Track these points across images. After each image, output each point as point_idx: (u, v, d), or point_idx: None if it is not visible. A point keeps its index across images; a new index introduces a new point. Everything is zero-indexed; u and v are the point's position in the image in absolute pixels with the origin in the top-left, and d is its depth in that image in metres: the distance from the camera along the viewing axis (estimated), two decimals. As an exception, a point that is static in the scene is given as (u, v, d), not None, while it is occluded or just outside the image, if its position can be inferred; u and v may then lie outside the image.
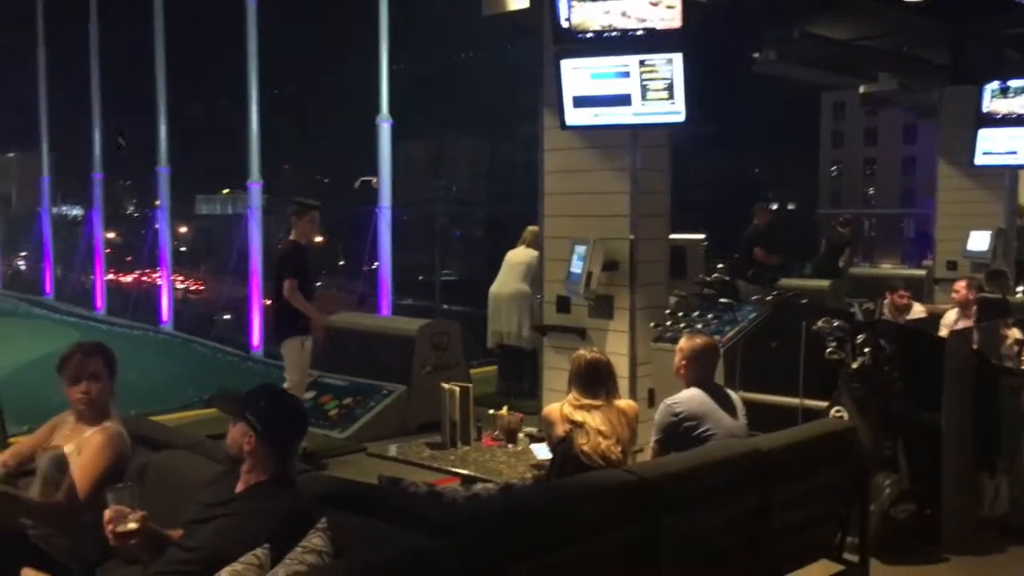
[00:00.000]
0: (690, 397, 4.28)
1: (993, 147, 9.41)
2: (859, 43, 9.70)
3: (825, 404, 5.10)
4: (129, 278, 33.19)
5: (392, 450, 5.00)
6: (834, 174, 66.58)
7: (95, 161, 27.15)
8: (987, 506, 5.17)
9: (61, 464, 3.47)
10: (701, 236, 8.85)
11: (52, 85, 28.77)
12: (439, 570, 2.43)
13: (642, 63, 5.47)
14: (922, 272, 11.49)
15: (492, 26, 7.46)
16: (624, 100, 5.58)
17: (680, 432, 4.19)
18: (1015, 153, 9.31)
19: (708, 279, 6.74)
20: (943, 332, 6.51)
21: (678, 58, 5.37)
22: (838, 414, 4.91)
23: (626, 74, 5.51)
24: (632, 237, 5.93)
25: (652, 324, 6.11)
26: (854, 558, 3.95)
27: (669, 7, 5.32)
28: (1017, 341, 5.85)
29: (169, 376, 17.97)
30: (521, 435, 5.08)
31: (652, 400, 5.64)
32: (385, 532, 2.60)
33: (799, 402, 5.39)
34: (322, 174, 61.55)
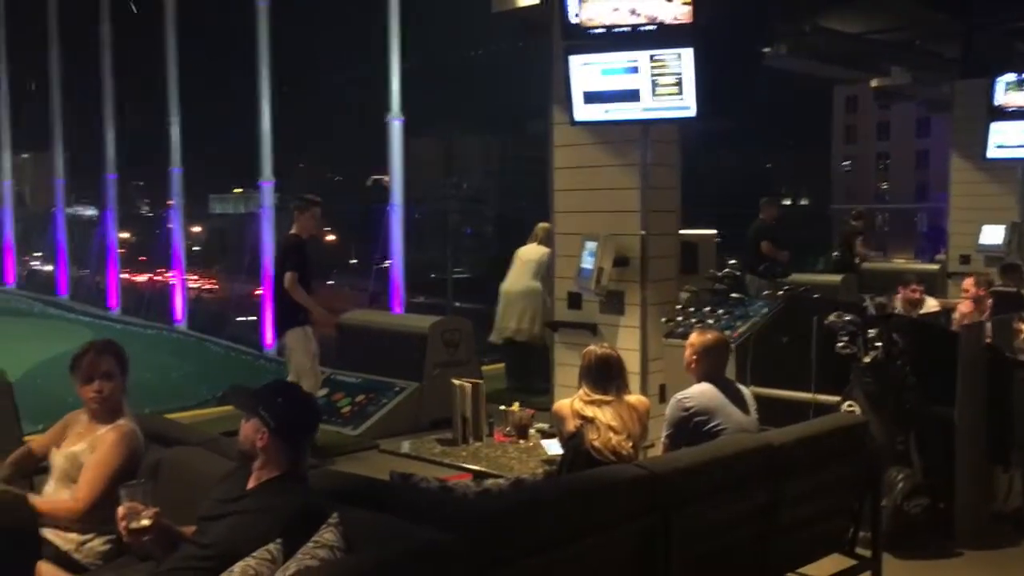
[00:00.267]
0: (701, 392, 4.28)
1: (1006, 140, 9.36)
2: (871, 37, 9.67)
3: (837, 399, 5.09)
4: (143, 278, 33.34)
5: (404, 446, 5.02)
6: (847, 169, 66.26)
7: (108, 161, 27.27)
8: (1001, 500, 5.16)
9: (75, 462, 3.51)
10: (712, 231, 8.84)
11: (65, 86, 28.92)
12: (450, 564, 2.44)
13: (652, 58, 5.46)
14: (935, 266, 11.45)
15: (502, 23, 7.47)
16: (634, 95, 5.57)
17: (691, 427, 4.19)
18: (1028, 146, 9.26)
19: (719, 274, 6.72)
20: (956, 326, 6.49)
21: (688, 53, 5.36)
22: (850, 409, 4.90)
23: (635, 69, 5.51)
24: (643, 233, 5.93)
25: (663, 319, 6.11)
26: (866, 553, 3.94)
27: (684, 3, 5.30)
28: (1031, 334, 5.83)
29: (183, 375, 18.05)
30: (532, 431, 5.09)
31: (663, 395, 5.64)
32: (396, 527, 2.61)
33: (811, 397, 5.37)
34: (334, 172, 61.67)
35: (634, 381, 5.58)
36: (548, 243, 7.51)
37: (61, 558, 3.27)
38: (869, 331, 4.98)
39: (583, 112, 5.79)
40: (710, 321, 6.11)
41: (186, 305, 24.88)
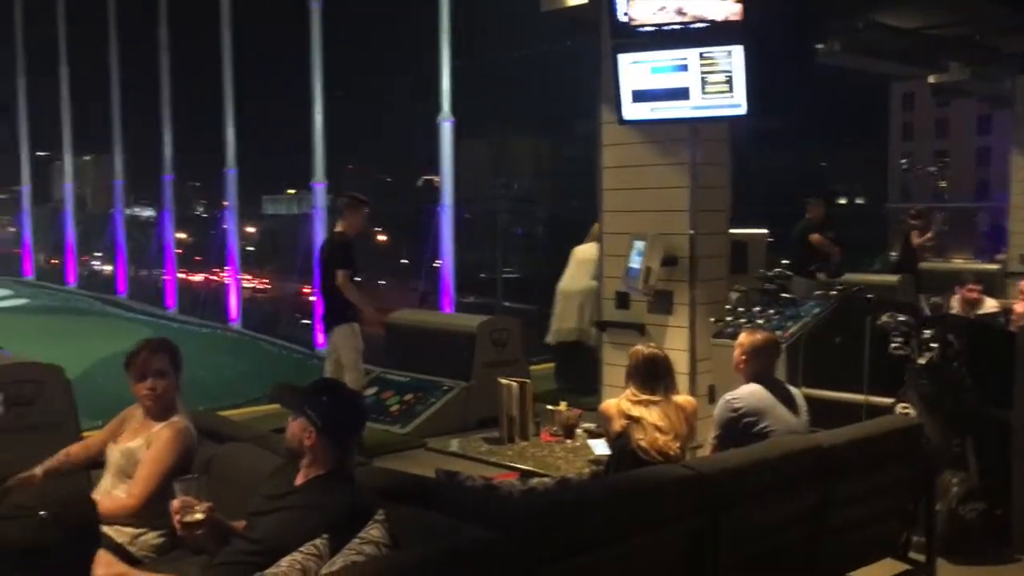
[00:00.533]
0: (750, 393, 4.23)
1: (1069, 136, 9.11)
2: (927, 32, 9.46)
3: (891, 401, 5.00)
4: (199, 277, 33.94)
5: (451, 445, 5.05)
6: (904, 167, 64.99)
7: (166, 163, 27.82)
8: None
9: (131, 458, 3.58)
10: (763, 231, 8.73)
11: (124, 89, 29.56)
12: (495, 562, 2.45)
13: (701, 56, 5.43)
14: (995, 266, 11.17)
15: (550, 22, 7.45)
16: (683, 94, 5.54)
17: (739, 428, 4.15)
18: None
19: (770, 274, 6.63)
20: (1014, 326, 6.33)
21: (738, 50, 5.31)
22: (904, 411, 4.81)
23: (684, 67, 5.48)
24: (692, 232, 5.89)
25: (712, 320, 6.06)
26: (920, 557, 3.88)
27: (735, 1, 5.25)
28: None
29: (237, 373, 18.33)
30: (579, 431, 5.09)
31: (712, 396, 5.60)
32: (442, 525, 2.63)
33: (864, 399, 5.28)
34: (385, 173, 62.19)
35: (683, 382, 5.54)
36: (603, 242, 7.49)
37: (117, 550, 3.34)
38: (924, 331, 4.88)
39: (632, 111, 5.77)
40: (760, 321, 6.04)
41: (240, 304, 25.25)
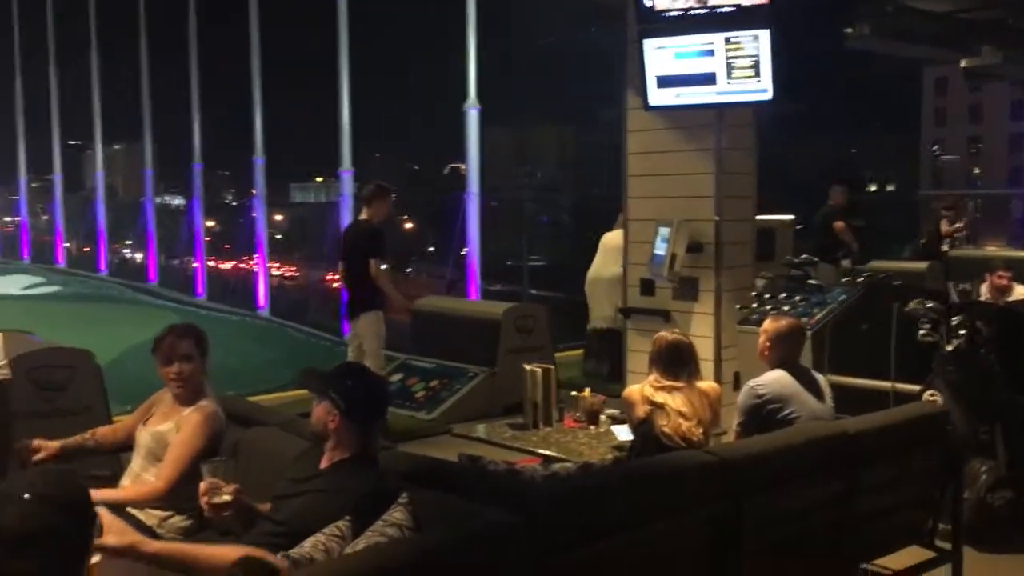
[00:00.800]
0: (775, 379, 4.22)
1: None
2: (959, 15, 9.33)
3: (918, 388, 4.96)
4: (228, 265, 34.23)
5: (476, 431, 5.08)
6: (936, 153, 64.13)
7: (195, 152, 28.05)
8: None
9: (161, 440, 3.63)
10: (790, 217, 8.66)
11: (154, 78, 29.82)
12: (516, 546, 2.46)
13: (727, 40, 5.39)
14: (1028, 253, 11.00)
15: (576, 7, 7.43)
16: (708, 79, 5.50)
17: (764, 414, 4.13)
18: None
19: (796, 260, 6.59)
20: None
21: (765, 34, 5.27)
22: (932, 398, 4.77)
23: (710, 52, 5.44)
24: (717, 218, 5.85)
25: (738, 306, 6.03)
26: (946, 545, 3.85)
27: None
28: None
29: (265, 360, 18.50)
30: (603, 417, 5.11)
31: (737, 383, 5.57)
32: (464, 508, 2.64)
33: (890, 386, 5.24)
34: (411, 161, 62.31)
35: (708, 368, 5.52)
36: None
37: (144, 533, 3.40)
38: (952, 318, 4.84)
39: (657, 97, 5.74)
40: (786, 308, 6.01)
41: (268, 292, 25.44)
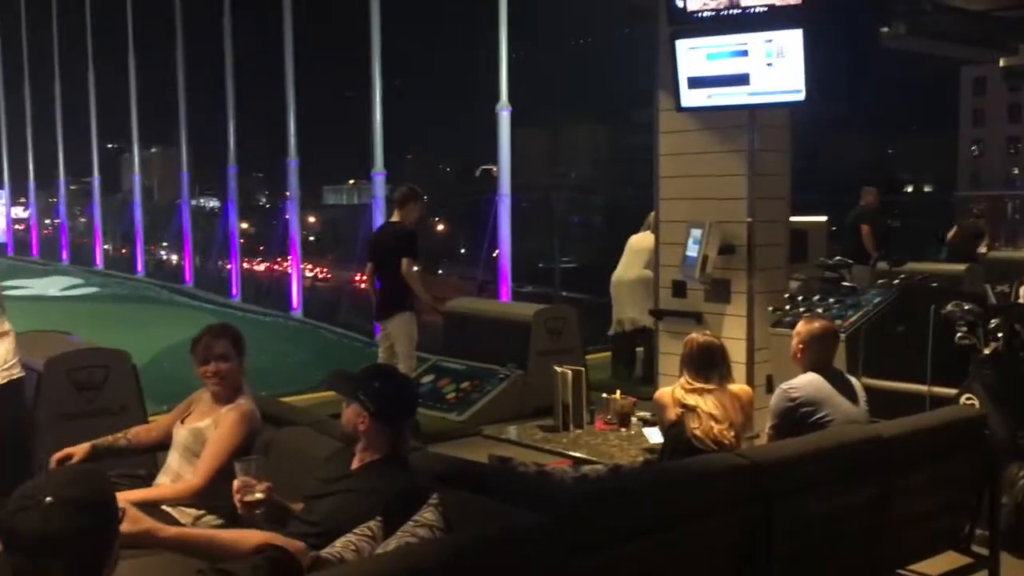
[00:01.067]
0: (808, 382, 4.17)
1: None
2: (996, 14, 9.18)
3: (954, 391, 4.90)
4: (261, 266, 34.55)
5: (506, 433, 5.08)
6: (975, 154, 63.20)
7: (230, 154, 28.32)
8: None
9: (199, 436, 3.68)
10: (823, 218, 8.58)
11: (189, 82, 30.17)
12: (546, 546, 2.46)
13: (760, 41, 5.34)
14: (1068, 255, 10.83)
15: (608, 9, 7.41)
16: (741, 80, 5.47)
17: (797, 417, 4.09)
18: None
19: (830, 262, 6.52)
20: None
21: (798, 34, 5.22)
22: (969, 402, 4.71)
23: (742, 53, 5.40)
24: (749, 220, 5.82)
25: (770, 309, 5.99)
26: (983, 551, 3.79)
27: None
28: None
29: (298, 361, 18.62)
30: (634, 419, 5.09)
31: (770, 386, 5.52)
32: (494, 509, 2.65)
33: (927, 390, 5.18)
34: (444, 163, 62.55)
35: (740, 371, 5.49)
36: (658, 231, 7.45)
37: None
38: (990, 321, 4.77)
39: (689, 98, 5.71)
40: (819, 310, 5.95)
41: (301, 293, 25.61)
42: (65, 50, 36.04)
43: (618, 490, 2.91)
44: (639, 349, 8.36)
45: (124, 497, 2.36)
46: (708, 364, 4.13)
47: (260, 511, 2.94)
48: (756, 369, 5.78)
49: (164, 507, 3.49)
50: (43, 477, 1.95)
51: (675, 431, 4.04)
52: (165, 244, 38.97)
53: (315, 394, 8.05)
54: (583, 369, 5.89)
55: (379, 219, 21.37)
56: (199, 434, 3.66)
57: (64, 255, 39.94)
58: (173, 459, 3.73)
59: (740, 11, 5.39)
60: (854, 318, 5.80)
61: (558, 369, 5.57)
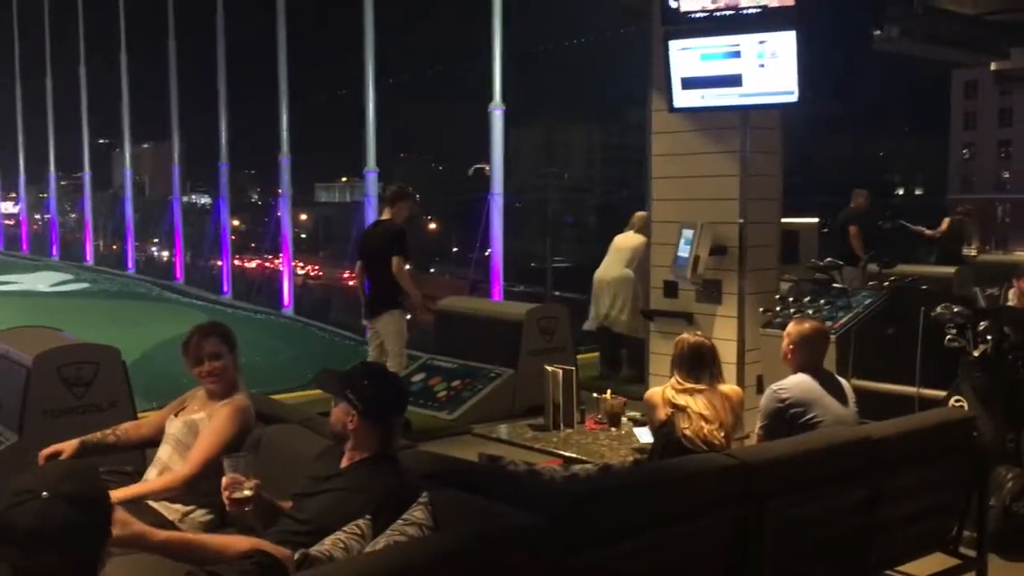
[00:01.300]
0: (797, 383, 4.18)
1: None
2: (988, 17, 9.22)
3: (944, 394, 4.91)
4: (253, 264, 34.47)
5: (497, 431, 5.08)
6: (966, 157, 63.47)
7: (222, 151, 28.25)
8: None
9: (193, 428, 3.66)
10: (815, 220, 8.60)
11: (181, 77, 30.08)
12: (535, 545, 2.46)
13: (752, 42, 5.35)
14: (1057, 258, 10.88)
15: (602, 9, 7.42)
16: (733, 81, 5.48)
17: (786, 418, 4.10)
18: None
19: (821, 264, 6.54)
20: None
21: (790, 36, 5.23)
22: (958, 404, 4.73)
23: (735, 54, 5.41)
24: (741, 221, 5.83)
25: (761, 309, 6.00)
26: (971, 553, 3.81)
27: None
28: None
29: (289, 358, 18.61)
30: (624, 419, 5.09)
31: (760, 387, 5.54)
32: (484, 508, 2.65)
33: (916, 391, 5.20)
34: (436, 162, 62.52)
35: (730, 372, 5.50)
36: (645, 232, 7.46)
37: (165, 527, 3.42)
38: (979, 324, 4.79)
39: (682, 98, 5.72)
40: (810, 311, 5.97)
41: (292, 291, 25.57)
42: (56, 45, 35.91)
43: (608, 490, 2.91)
44: (623, 351, 8.38)
45: (114, 496, 2.35)
46: (699, 364, 4.14)
47: (248, 508, 2.93)
48: (747, 370, 5.79)
49: (151, 503, 3.48)
50: (36, 472, 1.95)
51: (665, 431, 4.04)
52: (156, 240, 38.85)
53: (305, 392, 8.03)
54: (574, 368, 5.88)
55: (371, 217, 21.36)
56: (193, 426, 3.65)
57: (54, 251, 39.80)
58: (163, 451, 3.71)
59: (733, 12, 5.39)
60: (844, 319, 5.81)
61: (549, 368, 5.57)
